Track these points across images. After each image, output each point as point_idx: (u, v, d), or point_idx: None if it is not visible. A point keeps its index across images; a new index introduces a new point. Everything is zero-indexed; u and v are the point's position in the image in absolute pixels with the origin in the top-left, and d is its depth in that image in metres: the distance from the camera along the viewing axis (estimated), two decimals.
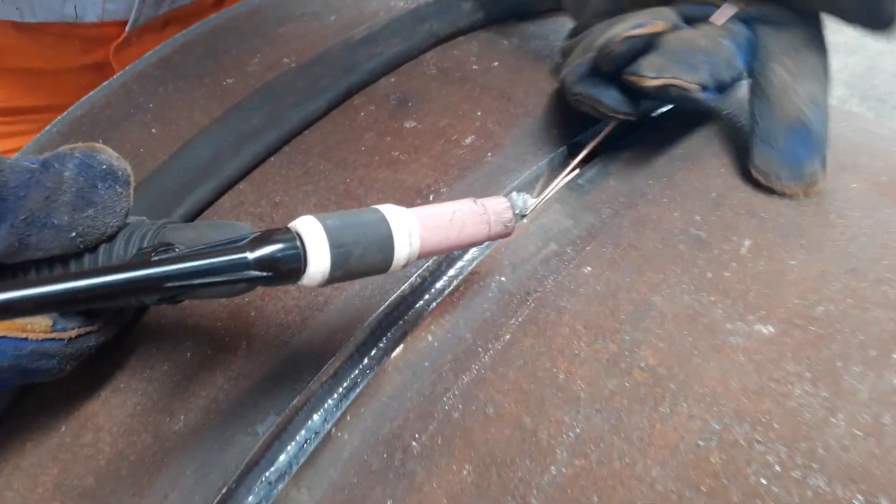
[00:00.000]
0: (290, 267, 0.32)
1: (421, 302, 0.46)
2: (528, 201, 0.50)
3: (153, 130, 0.57)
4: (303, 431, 0.43)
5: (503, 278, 0.45)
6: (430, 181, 0.51)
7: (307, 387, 0.43)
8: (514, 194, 0.50)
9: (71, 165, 0.38)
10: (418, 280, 0.46)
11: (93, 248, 0.41)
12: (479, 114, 0.56)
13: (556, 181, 0.51)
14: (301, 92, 0.57)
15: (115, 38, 0.73)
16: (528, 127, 0.55)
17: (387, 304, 0.45)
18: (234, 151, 0.53)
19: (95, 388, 0.47)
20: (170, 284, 0.30)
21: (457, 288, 0.45)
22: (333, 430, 0.41)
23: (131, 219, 0.44)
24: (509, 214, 0.42)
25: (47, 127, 0.59)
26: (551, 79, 0.60)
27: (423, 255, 0.38)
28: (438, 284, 0.47)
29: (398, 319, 0.45)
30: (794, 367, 0.39)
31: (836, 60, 2.72)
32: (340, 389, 0.43)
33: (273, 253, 0.32)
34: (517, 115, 0.56)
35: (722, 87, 0.47)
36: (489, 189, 0.51)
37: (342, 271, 0.34)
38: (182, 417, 0.44)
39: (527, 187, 0.51)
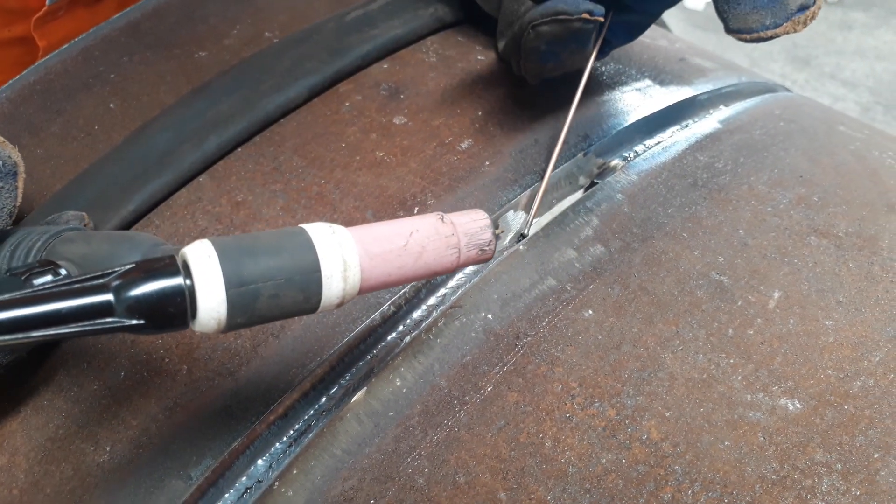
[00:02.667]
0: (170, 312, 0.25)
1: (393, 334, 0.40)
2: (526, 222, 0.43)
3: (111, 105, 0.51)
4: (244, 478, 0.37)
5: (490, 315, 0.39)
6: (417, 190, 0.45)
7: (252, 427, 0.37)
8: (510, 213, 0.44)
9: None
10: (391, 309, 0.40)
11: None
12: (479, 114, 0.49)
13: (562, 200, 0.44)
14: (280, 74, 0.50)
15: (38, 11, 0.65)
16: (537, 134, 0.48)
17: (352, 334, 0.39)
18: (197, 140, 0.46)
19: (17, 402, 0.41)
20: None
21: (435, 322, 0.39)
22: (277, 485, 0.35)
23: (67, 221, 0.38)
24: (487, 236, 0.33)
25: None
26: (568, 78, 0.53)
27: (366, 291, 0.30)
28: (415, 314, 0.40)
29: (365, 353, 0.39)
30: (823, 456, 0.33)
31: (862, 65, 2.63)
32: (291, 432, 0.37)
33: (148, 294, 0.24)
34: (525, 118, 0.49)
35: None
36: (484, 204, 0.44)
37: (247, 316, 0.26)
38: (108, 449, 0.38)
39: (528, 206, 0.44)
